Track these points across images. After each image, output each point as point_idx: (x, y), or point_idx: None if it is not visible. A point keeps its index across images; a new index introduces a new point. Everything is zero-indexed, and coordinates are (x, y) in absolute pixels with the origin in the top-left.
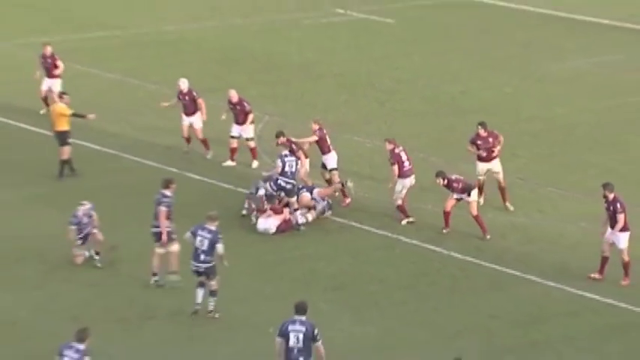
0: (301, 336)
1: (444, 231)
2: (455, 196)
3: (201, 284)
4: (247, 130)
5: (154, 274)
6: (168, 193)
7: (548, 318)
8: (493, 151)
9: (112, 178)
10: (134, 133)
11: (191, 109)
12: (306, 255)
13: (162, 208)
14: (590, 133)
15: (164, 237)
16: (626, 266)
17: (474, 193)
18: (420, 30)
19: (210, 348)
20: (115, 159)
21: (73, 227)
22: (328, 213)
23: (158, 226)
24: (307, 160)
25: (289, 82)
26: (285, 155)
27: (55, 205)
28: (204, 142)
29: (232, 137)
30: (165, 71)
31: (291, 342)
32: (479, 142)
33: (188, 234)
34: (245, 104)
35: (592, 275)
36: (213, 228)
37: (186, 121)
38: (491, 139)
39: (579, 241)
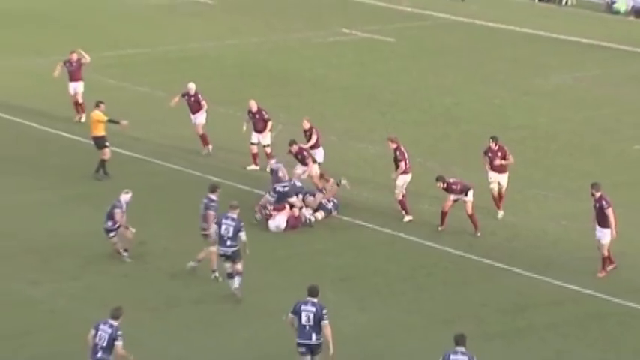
0: (311, 315)
1: (440, 229)
2: (452, 197)
3: (230, 275)
4: (265, 138)
5: (214, 271)
6: (214, 197)
7: (532, 306)
8: (501, 164)
9: (141, 180)
10: (161, 140)
11: (195, 108)
12: (315, 250)
13: (211, 212)
14: (570, 141)
15: (212, 237)
16: (603, 260)
17: (471, 193)
18: (417, 48)
19: (230, 332)
20: (144, 163)
21: (119, 211)
22: (335, 212)
23: (207, 228)
24: (315, 165)
25: (301, 95)
26: (277, 166)
27: (90, 205)
28: (204, 137)
29: (252, 144)
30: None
31: (303, 320)
32: (489, 154)
33: (213, 227)
34: (264, 113)
35: (599, 275)
36: (235, 216)
37: (192, 118)
38: (500, 153)
39: (561, 237)
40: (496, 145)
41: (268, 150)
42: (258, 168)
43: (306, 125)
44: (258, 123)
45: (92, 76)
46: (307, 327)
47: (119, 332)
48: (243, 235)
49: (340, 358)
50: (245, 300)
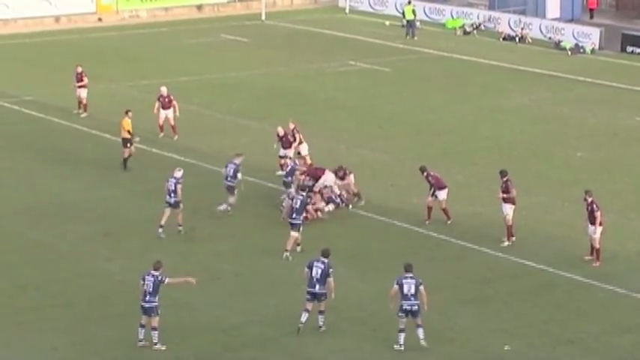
0: (320, 270)
1: (427, 222)
2: (430, 192)
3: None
4: (290, 153)
5: (286, 250)
6: (306, 194)
7: (497, 278)
8: (503, 196)
9: (192, 180)
10: (207, 148)
11: (167, 105)
12: (327, 234)
13: (309, 207)
14: (527, 148)
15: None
16: (597, 252)
17: (444, 192)
18: (407, 76)
19: (261, 299)
20: (194, 166)
21: (181, 186)
22: (342, 205)
23: (299, 219)
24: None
25: (316, 112)
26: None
27: (153, 198)
28: (174, 127)
29: (280, 157)
30: (228, 105)
31: (313, 273)
32: (501, 186)
33: (223, 170)
34: (289, 137)
35: (585, 258)
36: (237, 162)
37: (163, 114)
38: (504, 186)
39: (521, 224)
40: (501, 178)
41: (288, 161)
42: (284, 173)
43: (291, 126)
44: (285, 143)
45: (151, 97)
46: (315, 279)
47: (161, 277)
48: (240, 175)
49: (345, 318)
50: (273, 273)
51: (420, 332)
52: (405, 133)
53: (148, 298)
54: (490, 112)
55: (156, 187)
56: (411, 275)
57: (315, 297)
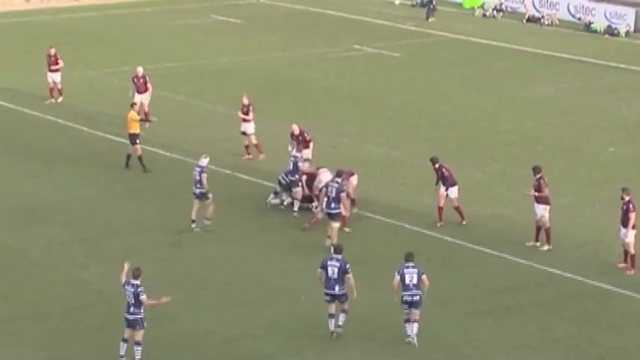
0: (336, 269)
1: (438, 225)
2: (442, 190)
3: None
4: (307, 154)
5: (329, 237)
6: (342, 181)
7: (519, 288)
8: (536, 195)
9: (178, 177)
10: (195, 142)
11: (142, 89)
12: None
13: (343, 195)
14: (554, 143)
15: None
16: (632, 258)
17: (455, 189)
18: (419, 62)
19: (255, 310)
20: (181, 163)
21: (206, 175)
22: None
23: (338, 208)
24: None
25: (318, 102)
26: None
27: (135, 198)
28: (147, 114)
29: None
30: (220, 94)
31: (329, 273)
32: (534, 184)
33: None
34: (305, 135)
35: (619, 265)
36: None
37: (138, 98)
38: (536, 184)
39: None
40: (534, 175)
41: (307, 164)
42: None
43: (245, 101)
44: (301, 143)
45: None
46: (332, 280)
47: (140, 288)
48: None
49: (350, 332)
50: (269, 282)
51: (414, 328)
52: (416, 125)
53: (131, 309)
54: (512, 102)
55: (138, 186)
56: (412, 265)
57: (335, 298)
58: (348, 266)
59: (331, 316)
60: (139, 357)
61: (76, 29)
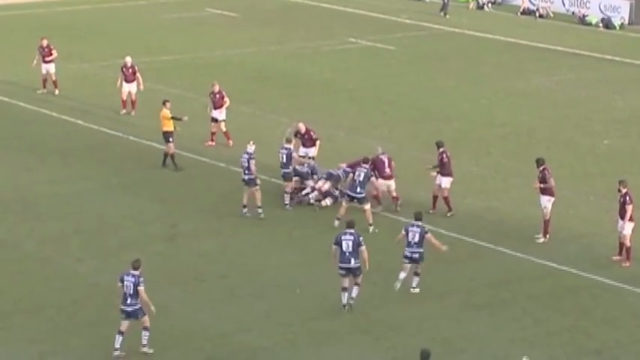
0: (351, 243)
1: (431, 211)
2: (437, 181)
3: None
4: (312, 152)
5: (370, 225)
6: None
7: (515, 281)
8: (541, 186)
9: (173, 171)
10: (190, 135)
11: (131, 78)
12: (326, 231)
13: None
14: (549, 136)
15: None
16: (627, 250)
17: (448, 180)
18: (414, 55)
19: (250, 304)
20: (176, 156)
21: (254, 161)
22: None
23: (363, 192)
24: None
25: (312, 96)
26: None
27: (129, 192)
28: (134, 103)
29: (301, 156)
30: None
31: (344, 247)
32: (538, 176)
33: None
34: (312, 133)
35: (614, 258)
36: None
37: (126, 87)
38: (540, 175)
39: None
40: (537, 167)
41: (312, 162)
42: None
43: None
44: (308, 141)
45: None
46: (347, 253)
47: (141, 279)
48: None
49: (345, 325)
50: (263, 275)
51: (415, 281)
52: (411, 118)
53: (129, 301)
54: (507, 95)
55: (132, 179)
56: (418, 224)
57: (350, 272)
58: (361, 239)
59: (344, 289)
60: (145, 342)
61: (70, 22)
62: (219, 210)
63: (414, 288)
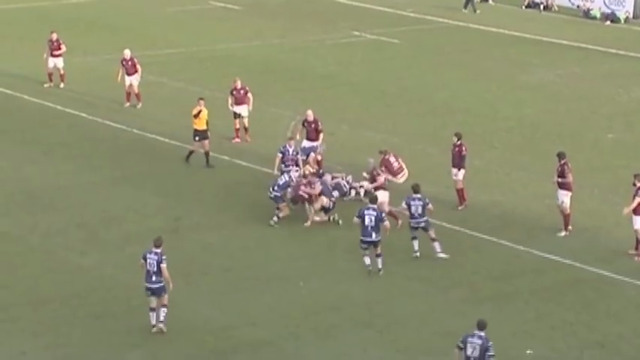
0: (373, 217)
1: (459, 208)
2: (453, 173)
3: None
4: (316, 147)
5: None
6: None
7: (518, 274)
8: (559, 181)
9: (177, 163)
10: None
11: (131, 71)
12: (328, 226)
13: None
14: (553, 129)
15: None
16: (638, 243)
17: (462, 172)
18: (419, 48)
19: (254, 297)
20: (180, 149)
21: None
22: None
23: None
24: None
25: (315, 89)
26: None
27: (133, 185)
28: (138, 95)
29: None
30: (218, 80)
31: (367, 222)
32: (557, 169)
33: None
34: (319, 123)
35: (630, 252)
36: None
37: (127, 80)
38: (560, 169)
39: (544, 214)
40: (559, 161)
41: (319, 157)
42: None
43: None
44: (312, 132)
45: None
46: (369, 227)
47: (163, 257)
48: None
49: (348, 319)
50: (267, 268)
51: (437, 245)
52: (415, 112)
53: (154, 278)
54: (511, 89)
55: (136, 172)
56: (419, 197)
57: (371, 244)
58: (383, 215)
59: (368, 265)
60: (162, 319)
61: (75, 15)
62: (223, 203)
63: (439, 253)
